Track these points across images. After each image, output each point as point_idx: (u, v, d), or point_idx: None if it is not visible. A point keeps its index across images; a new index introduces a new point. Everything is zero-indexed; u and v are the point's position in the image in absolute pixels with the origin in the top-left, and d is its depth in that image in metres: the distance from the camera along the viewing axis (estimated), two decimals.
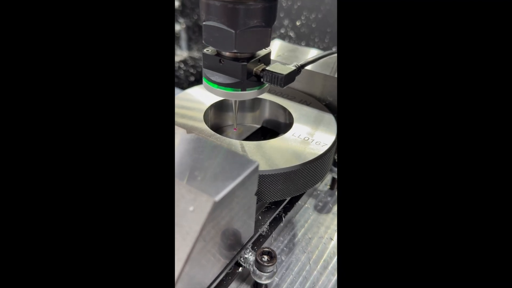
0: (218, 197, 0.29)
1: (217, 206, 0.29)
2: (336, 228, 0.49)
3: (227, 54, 0.38)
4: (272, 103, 0.54)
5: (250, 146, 0.43)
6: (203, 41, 0.38)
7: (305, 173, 0.41)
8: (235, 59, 0.38)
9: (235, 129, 0.47)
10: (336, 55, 0.55)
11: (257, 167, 0.33)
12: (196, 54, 1.09)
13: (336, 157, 0.51)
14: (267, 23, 0.36)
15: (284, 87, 0.39)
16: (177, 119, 0.47)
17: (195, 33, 1.07)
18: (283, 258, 0.44)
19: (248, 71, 0.38)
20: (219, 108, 0.53)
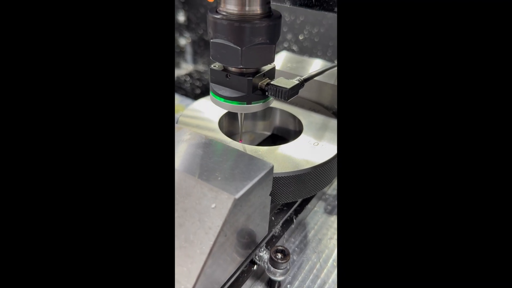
0: (238, 195, 0.31)
1: (237, 203, 0.32)
2: None
3: (233, 69, 0.40)
4: (283, 112, 0.56)
5: (264, 151, 0.45)
6: (211, 57, 0.40)
7: (315, 176, 0.44)
8: (241, 74, 0.40)
9: (240, 140, 0.49)
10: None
11: (272, 169, 0.36)
12: (201, 67, 1.11)
13: None
14: (271, 40, 0.38)
15: (289, 100, 0.41)
16: (192, 128, 0.49)
17: (201, 47, 1.09)
18: (294, 258, 0.47)
19: (254, 86, 0.40)
20: (233, 116, 0.56)
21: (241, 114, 0.46)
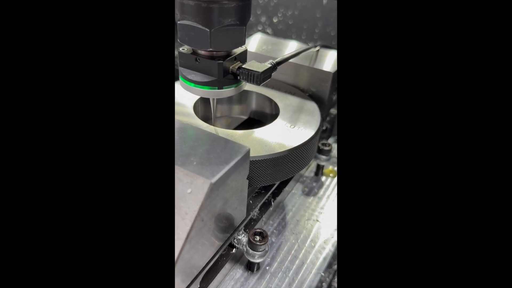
0: (214, 179, 0.31)
1: (213, 188, 0.31)
2: (321, 210, 0.53)
3: (203, 52, 0.38)
4: (259, 95, 0.55)
5: (239, 135, 0.44)
6: (178, 40, 0.38)
7: (292, 158, 0.43)
8: (211, 57, 0.38)
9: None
10: (313, 49, 0.57)
11: (248, 152, 0.35)
12: None
13: (320, 145, 0.54)
14: (241, 22, 0.36)
15: (262, 84, 0.40)
16: None
17: None
18: (273, 240, 0.47)
19: (225, 69, 0.39)
20: (208, 101, 0.54)
21: (213, 99, 0.44)
